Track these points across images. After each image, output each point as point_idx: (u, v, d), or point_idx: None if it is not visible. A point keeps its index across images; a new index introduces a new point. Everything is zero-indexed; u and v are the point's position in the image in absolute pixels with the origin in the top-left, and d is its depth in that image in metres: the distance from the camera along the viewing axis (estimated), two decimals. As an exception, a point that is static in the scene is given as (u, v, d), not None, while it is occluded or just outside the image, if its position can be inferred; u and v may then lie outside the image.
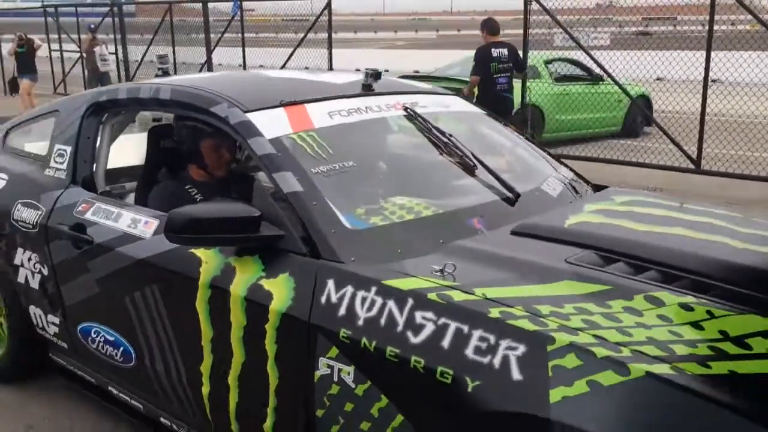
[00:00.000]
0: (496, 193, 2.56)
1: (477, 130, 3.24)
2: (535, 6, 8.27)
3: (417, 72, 11.94)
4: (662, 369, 1.52)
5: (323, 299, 1.99)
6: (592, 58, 8.31)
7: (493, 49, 7.44)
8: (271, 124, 2.44)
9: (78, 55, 16.40)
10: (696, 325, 1.68)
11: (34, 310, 3.06)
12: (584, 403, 1.52)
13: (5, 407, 3.19)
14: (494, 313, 1.74)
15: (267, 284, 2.12)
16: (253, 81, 3.21)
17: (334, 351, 1.95)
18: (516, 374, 1.62)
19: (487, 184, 2.59)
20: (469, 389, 1.67)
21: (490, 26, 7.62)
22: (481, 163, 2.63)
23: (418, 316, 1.82)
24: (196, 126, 2.78)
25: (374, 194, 2.46)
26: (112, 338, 2.70)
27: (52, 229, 2.85)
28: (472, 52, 7.73)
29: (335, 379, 1.95)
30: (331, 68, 10.85)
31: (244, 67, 12.67)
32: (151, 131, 3.08)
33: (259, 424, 2.21)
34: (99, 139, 3.01)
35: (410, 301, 1.85)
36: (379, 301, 1.90)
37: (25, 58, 12.80)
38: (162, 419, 2.65)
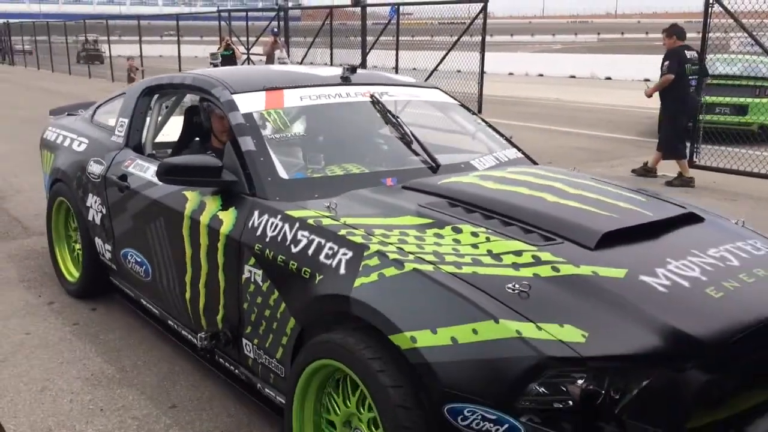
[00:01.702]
0: (423, 162, 3.26)
1: (443, 116, 3.92)
2: (716, 8, 8.07)
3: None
4: (426, 267, 2.19)
5: (250, 224, 2.80)
6: None
7: (686, 51, 8.10)
8: (249, 103, 3.27)
9: (245, 56, 17.77)
10: (474, 245, 2.32)
11: (97, 241, 4.09)
12: (372, 287, 2.23)
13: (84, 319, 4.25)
14: (342, 232, 2.47)
15: (221, 215, 2.96)
16: (258, 73, 4.05)
17: (252, 260, 2.75)
18: (342, 270, 2.35)
19: (418, 156, 3.29)
20: (317, 281, 2.42)
21: (678, 31, 8.27)
22: (417, 140, 3.33)
23: (299, 234, 2.58)
24: (211, 105, 3.68)
25: (317, 157, 3.24)
26: (139, 259, 3.64)
27: (109, 179, 3.85)
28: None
29: (252, 280, 2.75)
30: (482, 71, 11.11)
31: (397, 70, 13.09)
32: (186, 110, 4.01)
33: (215, 316, 3.05)
34: (149, 114, 3.99)
35: (297, 224, 2.61)
36: (280, 224, 2.68)
37: (229, 60, 14.53)
38: (169, 321, 3.56)
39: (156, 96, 4.01)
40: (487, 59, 11.50)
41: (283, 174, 2.98)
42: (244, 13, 20.79)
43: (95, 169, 4.01)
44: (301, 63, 15.71)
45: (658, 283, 2.13)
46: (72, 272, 4.54)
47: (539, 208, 2.57)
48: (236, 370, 3.03)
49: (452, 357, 1.98)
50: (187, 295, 3.24)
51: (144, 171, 3.59)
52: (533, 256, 2.23)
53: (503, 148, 3.72)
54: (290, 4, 20.78)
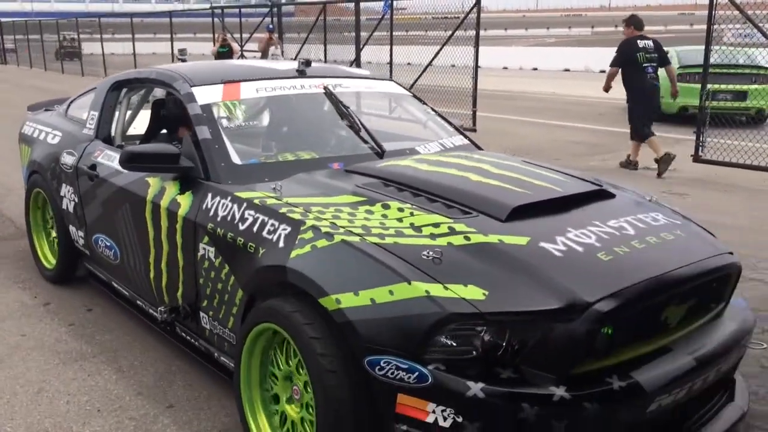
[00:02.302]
0: (371, 148, 3.52)
1: (395, 106, 4.18)
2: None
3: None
4: (353, 239, 2.45)
5: (204, 206, 3.05)
6: None
7: (640, 41, 8.44)
8: (207, 95, 3.51)
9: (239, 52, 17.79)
10: (399, 219, 2.58)
11: (71, 228, 4.33)
12: (305, 257, 2.48)
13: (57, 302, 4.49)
14: (283, 210, 2.73)
15: (179, 198, 3.21)
16: (219, 67, 4.30)
17: (206, 238, 3.00)
18: (281, 244, 2.61)
19: (366, 143, 3.55)
20: (260, 255, 2.67)
21: (635, 22, 8.62)
22: (365, 128, 3.59)
23: (246, 213, 2.83)
24: (176, 98, 3.92)
25: (271, 144, 3.50)
26: (108, 243, 3.89)
27: (80, 169, 4.09)
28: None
29: (206, 257, 3.01)
30: (477, 66, 11.15)
31: (391, 65, 13.19)
32: (153, 103, 4.26)
33: (176, 293, 3.30)
34: (118, 107, 4.23)
35: (244, 204, 2.87)
36: (229, 205, 2.93)
37: (226, 57, 14.55)
38: (138, 302, 3.81)
39: (124, 90, 4.25)
40: (482, 54, 11.56)
41: (236, 160, 3.23)
42: (237, 10, 20.87)
43: (68, 160, 4.25)
44: (295, 59, 15.65)
45: (555, 249, 2.39)
46: (49, 259, 4.79)
47: (462, 186, 2.83)
48: (196, 342, 3.29)
49: (371, 315, 2.24)
50: (151, 275, 3.49)
51: (112, 161, 3.83)
52: (449, 228, 2.49)
53: (450, 136, 3.98)
54: (283, 0, 20.88)
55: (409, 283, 2.23)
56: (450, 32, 11.88)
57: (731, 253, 2.73)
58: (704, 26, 8.41)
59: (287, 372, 2.60)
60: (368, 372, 2.23)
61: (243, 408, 2.74)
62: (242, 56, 16.45)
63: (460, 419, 2.13)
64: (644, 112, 8.59)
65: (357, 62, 13.96)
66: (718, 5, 8.17)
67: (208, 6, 24.51)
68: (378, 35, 13.82)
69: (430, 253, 2.33)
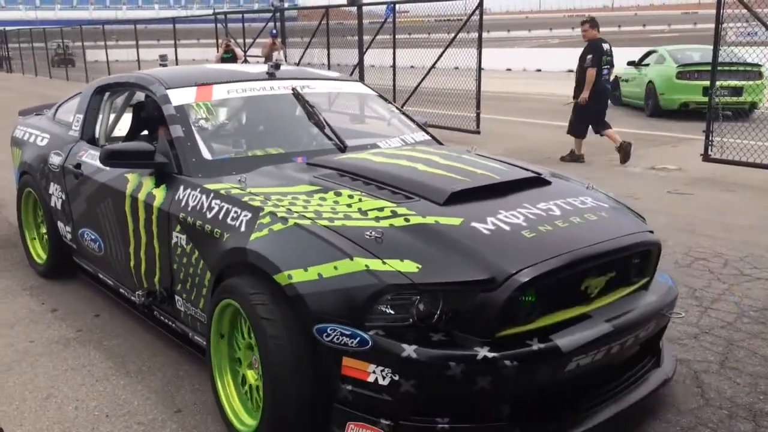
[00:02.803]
0: (334, 144, 3.80)
1: (361, 105, 4.47)
2: None
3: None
4: (305, 222, 2.73)
5: (176, 197, 3.33)
6: None
7: (602, 44, 8.85)
8: (181, 97, 3.79)
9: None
10: (348, 205, 2.86)
11: (60, 224, 4.61)
12: (263, 239, 2.76)
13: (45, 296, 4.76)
14: (246, 198, 3.00)
15: (155, 191, 3.48)
16: (194, 71, 4.57)
17: (178, 227, 3.28)
18: (243, 228, 2.88)
19: (330, 139, 3.82)
20: (224, 239, 2.95)
21: (596, 24, 9.03)
22: (329, 126, 3.86)
23: (213, 202, 3.11)
24: (155, 100, 4.20)
25: (240, 141, 3.78)
26: (93, 237, 4.17)
27: (66, 168, 4.37)
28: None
29: (179, 244, 3.28)
30: (480, 68, 11.20)
31: (394, 69, 13.25)
32: (134, 106, 4.54)
33: (153, 278, 3.58)
34: (101, 110, 4.51)
35: (211, 195, 3.15)
36: (199, 196, 3.21)
37: (231, 62, 14.56)
38: (121, 290, 4.09)
39: (107, 94, 4.53)
40: (485, 55, 11.54)
41: (207, 155, 3.51)
42: (240, 15, 20.99)
43: (55, 160, 4.53)
44: (298, 64, 15.52)
45: (485, 228, 2.67)
46: (41, 255, 5.06)
47: (408, 175, 3.11)
48: (173, 324, 3.56)
49: (319, 288, 2.52)
50: (131, 263, 3.77)
51: (95, 160, 4.11)
52: (392, 211, 2.77)
53: (412, 132, 4.27)
54: (286, 5, 20.95)
55: (352, 259, 2.51)
56: (453, 34, 11.87)
57: (651, 232, 3.01)
58: (707, 25, 8.45)
59: (249, 343, 2.88)
60: (316, 338, 2.51)
61: (213, 372, 3.04)
62: (246, 62, 16.54)
63: (396, 378, 2.41)
64: (596, 114, 8.94)
65: (360, 66, 14.06)
66: (726, 4, 8.10)
67: (211, 12, 24.75)
68: (381, 38, 13.86)
69: (373, 233, 2.61)
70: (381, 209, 2.80)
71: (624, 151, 8.70)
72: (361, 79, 13.14)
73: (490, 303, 2.44)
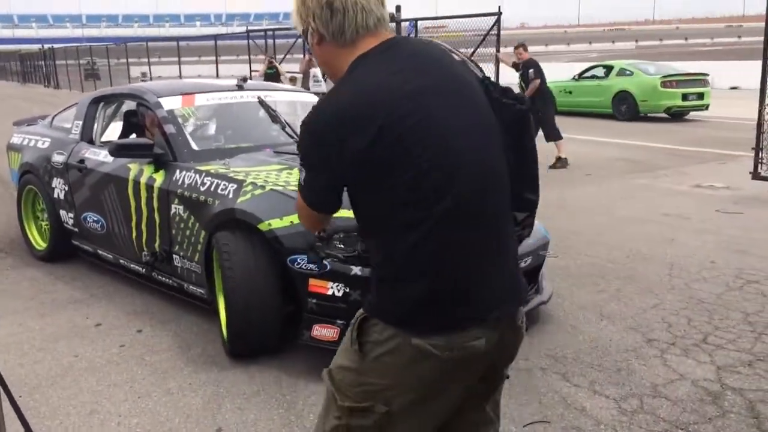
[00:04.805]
0: (293, 139, 4.84)
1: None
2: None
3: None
4: (278, 188, 3.78)
5: (173, 178, 4.33)
6: None
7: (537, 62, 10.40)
8: (170, 103, 4.79)
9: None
10: (309, 176, 3.92)
11: (62, 212, 5.51)
12: (247, 201, 3.79)
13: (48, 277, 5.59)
14: (231, 174, 4.04)
15: (155, 175, 4.47)
16: (177, 84, 5.58)
17: (176, 200, 4.27)
18: (230, 195, 3.91)
19: (291, 137, 4.87)
20: (215, 204, 3.97)
21: (526, 47, 10.56)
22: (290, 125, 4.91)
23: (205, 179, 4.13)
24: (145, 108, 5.17)
25: (219, 137, 4.81)
26: (96, 218, 5.11)
27: (70, 164, 5.29)
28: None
29: (177, 213, 4.28)
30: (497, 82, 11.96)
31: None
32: (125, 114, 5.51)
33: (153, 245, 4.55)
34: (97, 117, 5.46)
35: (203, 173, 4.16)
36: (193, 175, 4.22)
37: (273, 78, 14.60)
38: (121, 261, 5.03)
39: (102, 103, 5.49)
40: (504, 69, 11.44)
41: (195, 147, 4.53)
42: (271, 32, 21.52)
43: (58, 158, 5.44)
44: (324, 79, 14.87)
45: None
46: (39, 243, 5.92)
47: None
48: (169, 280, 4.53)
49: (290, 231, 3.56)
50: (134, 235, 4.73)
51: (97, 155, 5.06)
52: None
53: None
54: None
55: None
56: (474, 49, 12.30)
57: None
58: (753, 38, 9.01)
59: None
60: (290, 267, 3.55)
61: (215, 292, 4.05)
62: (284, 77, 16.44)
63: (348, 290, 3.46)
64: (552, 115, 10.44)
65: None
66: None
67: (243, 29, 25.24)
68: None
69: None
70: (333, 178, 3.87)
71: (561, 165, 9.96)
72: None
73: None
